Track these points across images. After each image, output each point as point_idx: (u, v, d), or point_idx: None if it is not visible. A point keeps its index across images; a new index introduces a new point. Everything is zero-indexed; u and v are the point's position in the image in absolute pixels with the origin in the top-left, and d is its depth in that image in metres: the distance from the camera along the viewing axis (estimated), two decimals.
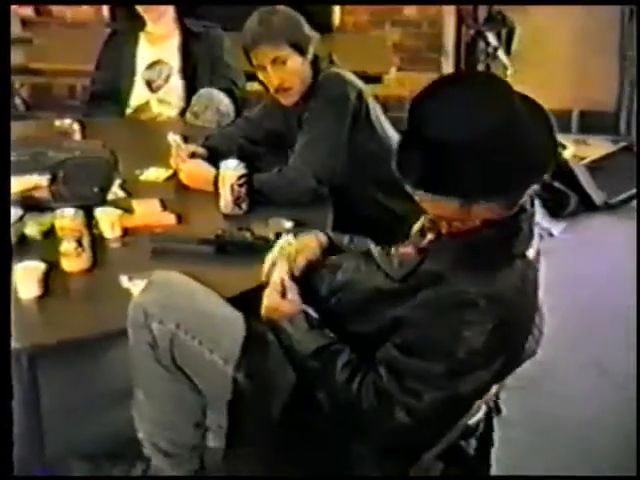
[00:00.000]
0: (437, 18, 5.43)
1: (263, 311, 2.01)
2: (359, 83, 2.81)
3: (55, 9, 5.70)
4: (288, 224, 2.44)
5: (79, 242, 2.19)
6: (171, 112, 3.64)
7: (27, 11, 5.64)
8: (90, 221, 2.37)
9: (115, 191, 2.66)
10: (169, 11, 3.69)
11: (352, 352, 1.87)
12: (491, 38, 5.20)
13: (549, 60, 5.14)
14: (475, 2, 5.27)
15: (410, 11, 5.47)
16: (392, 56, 4.97)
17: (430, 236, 1.90)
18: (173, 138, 2.94)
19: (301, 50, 2.72)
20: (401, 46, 5.45)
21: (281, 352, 1.93)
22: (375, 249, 2.07)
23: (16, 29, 5.28)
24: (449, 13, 5.40)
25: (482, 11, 5.39)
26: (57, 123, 3.00)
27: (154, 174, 2.85)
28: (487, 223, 1.78)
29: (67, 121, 3.05)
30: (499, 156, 1.67)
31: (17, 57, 4.51)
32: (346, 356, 1.86)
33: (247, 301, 2.09)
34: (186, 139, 3.00)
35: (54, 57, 4.52)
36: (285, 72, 2.72)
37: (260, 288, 2.10)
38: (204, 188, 2.68)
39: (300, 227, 2.40)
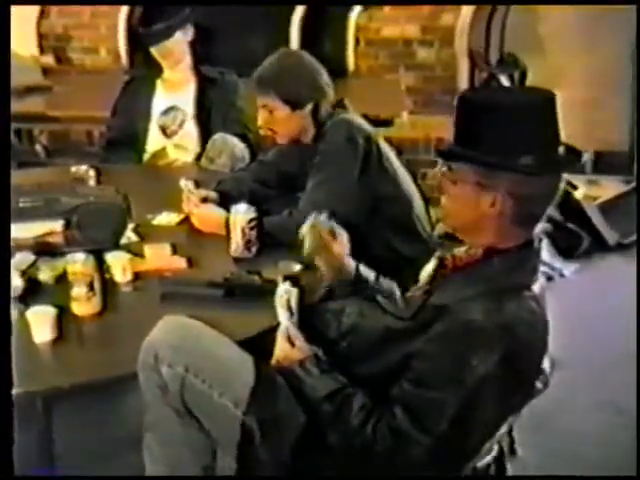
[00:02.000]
0: (450, 61, 5.46)
1: (273, 360, 2.03)
2: (368, 127, 2.86)
3: (75, 57, 5.83)
4: (297, 267, 2.46)
5: (90, 286, 2.22)
6: (187, 157, 3.69)
7: (48, 60, 5.78)
8: (101, 265, 2.41)
9: (128, 235, 2.69)
10: (186, 58, 3.76)
11: (365, 394, 1.89)
12: (504, 80, 5.24)
13: (562, 101, 5.15)
14: (481, 2, 5.29)
15: (424, 54, 5.53)
16: (405, 99, 5.02)
17: (435, 269, 1.98)
18: (185, 183, 2.99)
19: (292, 104, 2.79)
20: (415, 89, 5.50)
21: (291, 395, 1.94)
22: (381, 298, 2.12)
23: (37, 77, 5.41)
24: (462, 56, 5.43)
25: (494, 54, 5.46)
26: (73, 169, 3.06)
27: (166, 218, 2.89)
28: (490, 253, 1.85)
29: (83, 167, 3.11)
30: (531, 127, 1.79)
31: (37, 105, 4.60)
32: (360, 399, 1.87)
33: (256, 344, 2.11)
34: (198, 184, 3.04)
35: (72, 104, 4.62)
36: (271, 119, 2.84)
37: (269, 331, 2.12)
38: (216, 232, 2.71)
39: (309, 270, 2.42)
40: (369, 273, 2.28)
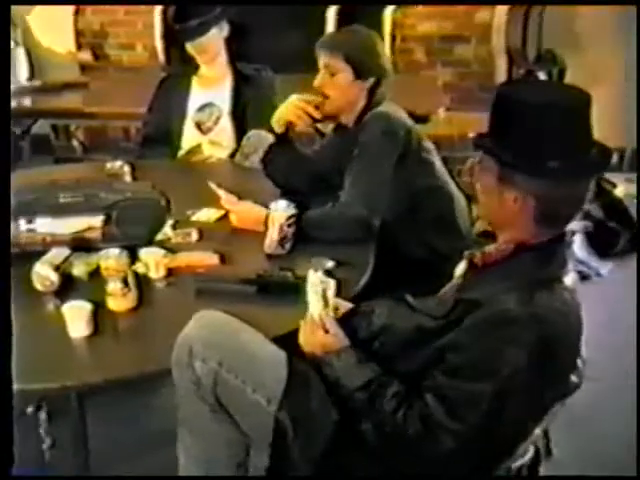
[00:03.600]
0: (488, 58, 5.43)
1: (307, 347, 2.03)
2: (408, 121, 2.85)
3: (112, 53, 5.86)
4: (330, 264, 2.46)
5: (125, 282, 2.23)
6: (222, 154, 3.70)
7: (85, 56, 5.82)
8: (134, 261, 2.42)
9: (166, 232, 2.70)
10: (221, 54, 3.77)
11: (399, 384, 1.89)
12: (542, 77, 5.19)
13: (601, 98, 5.09)
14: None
15: (460, 51, 5.49)
16: (441, 96, 4.98)
17: (465, 268, 2.00)
18: (213, 185, 2.99)
19: (358, 71, 2.79)
20: (452, 86, 5.48)
21: (324, 391, 1.95)
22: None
23: (74, 74, 5.46)
24: (500, 52, 5.39)
25: (532, 50, 5.41)
26: (108, 166, 3.07)
27: (205, 215, 2.89)
28: (520, 248, 1.86)
29: (118, 163, 3.12)
30: (561, 131, 1.79)
31: (74, 101, 4.64)
32: (394, 387, 1.88)
33: (290, 341, 2.11)
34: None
35: (109, 100, 4.65)
36: (330, 81, 2.82)
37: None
38: (254, 229, 2.70)
39: (341, 266, 2.42)
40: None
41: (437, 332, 1.87)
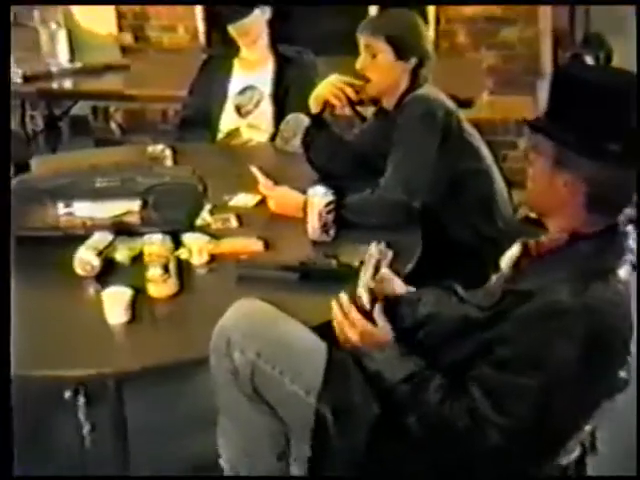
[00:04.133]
0: (533, 40, 5.33)
1: (354, 337, 1.97)
2: (449, 103, 2.80)
3: (153, 35, 5.83)
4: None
5: (165, 268, 2.20)
6: (261, 137, 3.66)
7: (127, 38, 5.80)
8: (178, 247, 2.39)
9: (204, 217, 2.66)
10: (263, 37, 3.73)
11: (442, 377, 1.85)
12: (589, 61, 5.08)
13: None
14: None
15: (506, 33, 5.40)
16: (485, 80, 4.89)
17: (516, 257, 1.94)
18: (254, 170, 2.95)
19: (399, 52, 2.74)
20: (496, 69, 5.39)
21: (365, 384, 1.90)
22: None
23: (116, 56, 5.43)
24: (545, 35, 5.29)
25: (579, 33, 5.30)
26: (149, 149, 3.03)
27: (243, 200, 2.85)
28: (574, 238, 1.80)
29: (159, 147, 3.09)
30: (624, 113, 1.73)
31: (114, 83, 4.61)
32: (438, 380, 1.84)
33: (331, 330, 2.07)
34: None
35: (150, 83, 4.59)
36: (371, 63, 2.77)
37: None
38: (293, 214, 2.67)
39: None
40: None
41: (485, 323, 1.82)
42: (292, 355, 1.96)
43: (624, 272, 1.79)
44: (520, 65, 5.36)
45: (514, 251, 2.01)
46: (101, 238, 2.45)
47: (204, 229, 2.61)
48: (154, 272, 2.20)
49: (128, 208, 2.53)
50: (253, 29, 3.68)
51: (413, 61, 2.76)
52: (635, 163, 1.75)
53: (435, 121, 2.69)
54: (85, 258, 2.32)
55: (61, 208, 2.53)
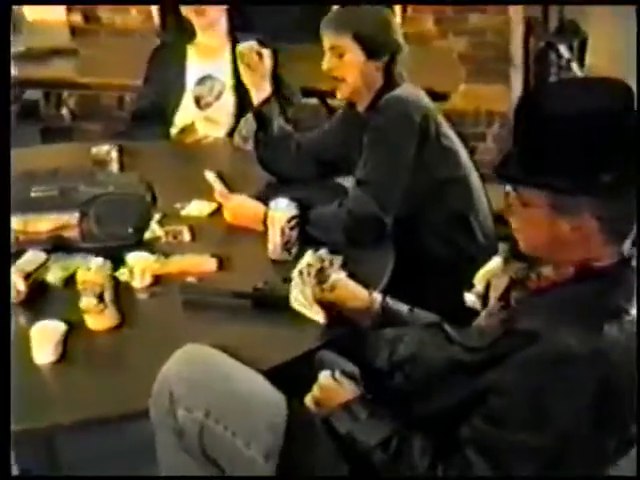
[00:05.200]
0: (504, 27, 5.09)
1: (309, 400, 1.75)
2: (426, 103, 2.53)
3: (104, 16, 5.51)
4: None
5: (100, 297, 1.93)
6: (219, 132, 3.38)
7: (76, 18, 5.48)
8: (118, 268, 2.15)
9: (154, 229, 2.39)
10: (221, 22, 3.45)
11: (422, 437, 1.62)
12: (563, 50, 4.86)
13: (628, 74, 4.77)
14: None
15: (475, 20, 5.16)
16: (460, 70, 4.65)
17: (517, 294, 1.72)
18: (210, 175, 2.69)
19: (368, 49, 2.48)
20: (466, 57, 5.15)
21: (332, 445, 1.66)
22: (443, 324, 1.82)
23: (65, 38, 5.11)
24: (517, 22, 5.06)
25: (553, 21, 5.08)
26: (93, 150, 2.74)
27: (197, 208, 2.58)
28: (583, 272, 1.58)
29: (104, 148, 2.79)
30: (609, 138, 1.52)
31: (64, 69, 4.29)
32: (420, 441, 1.61)
33: (291, 370, 1.82)
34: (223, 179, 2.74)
35: (102, 70, 4.28)
36: (339, 63, 2.52)
37: (305, 356, 1.85)
38: (251, 227, 2.41)
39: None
40: (400, 306, 1.97)
41: (476, 367, 1.60)
42: (246, 413, 1.70)
43: (635, 311, 1.57)
44: (491, 53, 5.13)
45: (500, 283, 1.78)
46: (32, 258, 2.18)
47: (153, 244, 2.35)
48: (88, 302, 1.93)
49: (66, 221, 2.25)
50: (210, 10, 3.39)
51: (385, 58, 2.49)
52: (634, 187, 1.53)
53: (411, 125, 2.42)
54: (12, 281, 2.04)
55: None
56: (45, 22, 5.20)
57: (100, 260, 1.98)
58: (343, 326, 1.96)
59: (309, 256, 2.01)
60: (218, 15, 3.43)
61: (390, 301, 1.98)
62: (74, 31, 5.36)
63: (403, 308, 1.97)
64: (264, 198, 2.48)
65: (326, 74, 2.54)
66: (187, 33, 3.49)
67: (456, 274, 2.35)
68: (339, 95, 2.57)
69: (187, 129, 3.35)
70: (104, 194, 2.28)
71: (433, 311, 2.00)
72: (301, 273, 1.97)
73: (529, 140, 1.55)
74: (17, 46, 4.32)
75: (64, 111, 5.27)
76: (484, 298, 1.90)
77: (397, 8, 5.10)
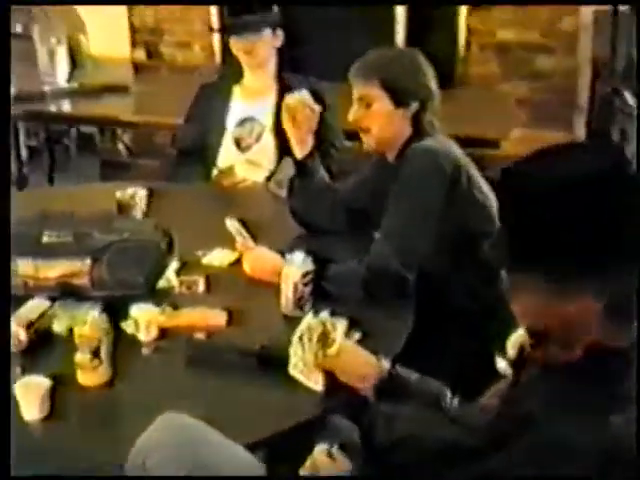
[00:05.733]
0: (571, 70, 4.94)
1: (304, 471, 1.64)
2: (457, 154, 2.41)
3: (167, 52, 5.54)
4: (356, 335, 2.05)
5: (96, 352, 1.86)
6: (259, 176, 3.32)
7: (139, 55, 5.52)
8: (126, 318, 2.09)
9: (169, 278, 2.32)
10: (270, 63, 3.42)
11: None
12: (628, 97, 4.67)
13: None
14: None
15: (543, 62, 5.03)
16: (514, 117, 4.52)
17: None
18: (232, 224, 2.61)
19: (395, 96, 2.37)
20: (529, 101, 5.02)
21: None
22: (447, 398, 1.69)
23: (127, 74, 5.15)
24: (584, 65, 4.91)
25: (620, 63, 4.90)
26: (118, 194, 2.69)
27: (218, 257, 2.50)
28: (591, 352, 1.42)
29: (129, 191, 2.74)
30: (601, 209, 1.34)
31: (117, 107, 4.28)
32: None
33: (292, 439, 1.73)
34: (246, 226, 2.67)
35: (157, 108, 4.25)
36: (366, 114, 2.41)
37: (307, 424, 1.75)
38: (270, 280, 2.32)
39: (366, 342, 2.00)
40: (408, 374, 1.85)
41: (479, 451, 1.45)
42: None
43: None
44: (555, 97, 4.98)
45: (511, 353, 1.65)
46: (36, 305, 2.13)
47: (165, 294, 2.27)
48: (82, 357, 1.86)
49: (78, 268, 2.19)
50: (261, 50, 3.35)
51: (414, 106, 2.38)
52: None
53: (441, 176, 2.30)
54: (13, 330, 1.99)
55: None
56: (109, 58, 5.25)
57: (96, 314, 1.92)
58: (344, 395, 1.84)
59: (310, 320, 1.90)
60: (267, 55, 3.39)
61: (399, 369, 1.86)
62: (137, 67, 5.42)
63: (412, 377, 1.85)
64: (292, 250, 2.39)
65: (352, 124, 2.45)
66: (236, 72, 3.46)
67: (481, 331, 2.24)
68: (366, 146, 2.46)
69: (225, 172, 3.29)
70: (118, 241, 2.22)
71: (452, 370, 1.91)
72: (301, 338, 1.86)
73: (516, 219, 1.42)
74: (74, 81, 4.35)
75: (120, 146, 5.29)
76: (516, 365, 1.76)
77: (461, 46, 5.03)
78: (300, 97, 2.68)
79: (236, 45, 3.37)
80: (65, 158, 5.34)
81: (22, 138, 4.97)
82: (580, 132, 4.89)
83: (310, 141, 2.69)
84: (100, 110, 4.22)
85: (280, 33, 3.39)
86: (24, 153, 4.98)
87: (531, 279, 1.41)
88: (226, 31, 3.59)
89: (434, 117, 2.43)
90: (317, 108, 2.66)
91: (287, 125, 2.69)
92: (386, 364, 1.86)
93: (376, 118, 2.39)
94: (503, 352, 1.85)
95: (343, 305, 2.17)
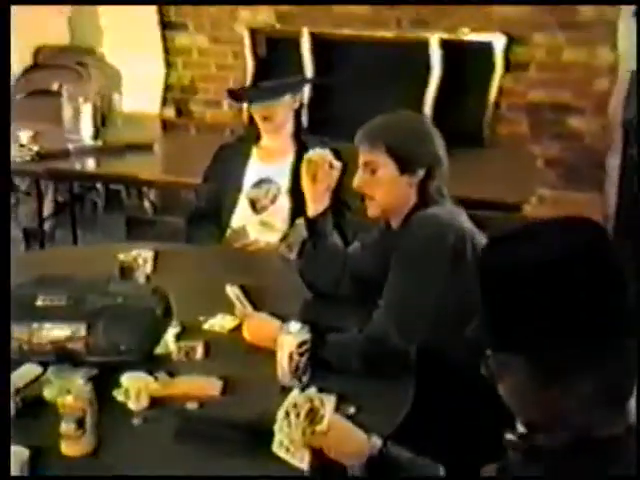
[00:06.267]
0: (602, 132, 4.88)
1: None
2: (462, 223, 2.33)
3: (196, 110, 5.58)
4: (351, 409, 1.98)
5: (80, 422, 1.81)
6: (273, 237, 3.28)
7: (169, 112, 5.57)
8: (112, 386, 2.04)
9: (168, 343, 2.28)
10: (288, 125, 3.40)
11: None
12: None
13: None
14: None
15: (574, 123, 4.97)
16: (539, 178, 4.45)
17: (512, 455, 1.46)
18: (232, 290, 2.57)
19: (401, 163, 2.32)
20: (559, 162, 4.95)
21: None
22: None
23: (156, 131, 5.19)
24: (615, 125, 4.84)
25: None
26: (120, 257, 2.65)
27: (220, 323, 2.45)
28: (579, 439, 1.34)
29: (132, 253, 2.71)
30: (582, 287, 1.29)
31: (143, 165, 4.29)
32: None
33: None
34: (247, 293, 2.62)
35: (183, 166, 4.25)
36: (372, 180, 2.37)
37: None
38: (269, 347, 2.25)
39: (364, 413, 1.93)
40: (400, 452, 1.77)
41: None
42: None
43: None
44: (585, 158, 4.91)
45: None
46: (28, 371, 2.10)
47: (163, 360, 2.23)
48: (67, 427, 1.82)
49: (72, 332, 2.16)
50: (280, 114, 3.35)
51: (420, 173, 2.33)
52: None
53: (442, 247, 2.23)
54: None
55: None
56: (139, 115, 5.30)
57: (81, 382, 1.88)
58: (330, 473, 1.77)
59: (296, 396, 1.84)
60: (285, 119, 3.38)
61: (390, 447, 1.79)
62: (165, 125, 5.46)
63: (404, 455, 1.78)
64: (296, 316, 2.33)
65: (356, 190, 2.40)
66: (255, 133, 3.45)
67: (484, 408, 2.15)
68: (369, 213, 2.41)
69: (237, 232, 3.27)
70: (113, 305, 2.18)
71: (450, 448, 1.84)
72: (287, 414, 1.80)
73: (496, 299, 1.35)
74: (101, 138, 4.38)
75: (146, 203, 5.31)
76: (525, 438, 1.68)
77: (490, 106, 4.99)
78: (322, 153, 2.67)
79: (255, 110, 3.39)
80: (92, 214, 5.37)
81: (50, 193, 5.02)
82: (612, 194, 4.80)
83: (326, 199, 2.65)
84: (125, 168, 4.22)
85: (300, 97, 3.40)
86: (50, 208, 5.03)
87: (515, 360, 1.34)
88: (247, 98, 3.59)
89: (442, 184, 2.37)
90: (338, 165, 2.63)
91: (306, 181, 2.66)
92: (378, 442, 1.79)
93: (381, 185, 2.34)
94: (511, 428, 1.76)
95: (341, 376, 2.11)
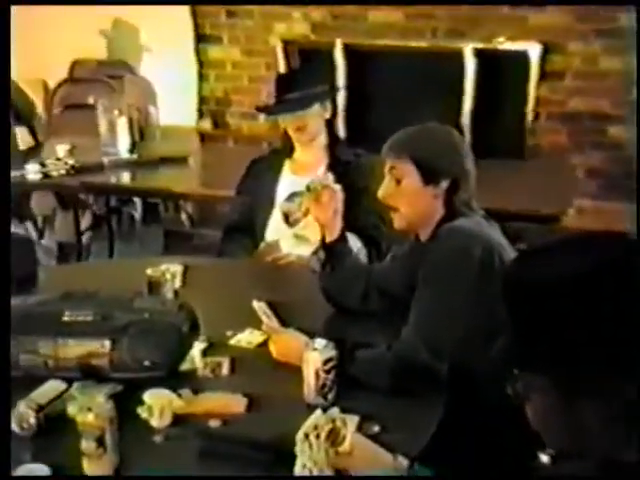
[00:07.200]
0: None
1: None
2: (490, 236, 2.27)
3: (233, 122, 5.59)
4: (375, 428, 1.94)
5: (100, 440, 1.79)
6: (307, 250, 3.24)
7: (206, 125, 5.58)
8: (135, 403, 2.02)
9: (194, 359, 2.26)
10: (320, 136, 3.38)
11: None
12: None
13: None
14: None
15: (614, 132, 4.88)
16: (579, 189, 4.37)
17: None
18: (259, 305, 2.54)
19: (425, 173, 2.27)
20: (599, 172, 4.87)
21: None
22: None
23: (194, 143, 5.19)
24: None
25: None
26: (148, 272, 2.64)
27: (247, 338, 2.43)
28: (602, 469, 1.28)
29: (161, 268, 2.70)
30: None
31: (169, 179, 4.29)
32: None
33: None
34: (274, 308, 2.59)
35: (221, 179, 4.23)
36: (396, 190, 2.32)
37: None
38: (296, 363, 2.22)
39: (389, 433, 1.90)
40: (426, 473, 1.73)
41: None
42: None
43: None
44: (624, 169, 4.82)
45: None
46: (52, 387, 2.08)
47: (189, 376, 2.21)
48: (87, 445, 1.80)
49: (97, 348, 2.15)
50: (311, 124, 3.33)
51: (444, 185, 2.28)
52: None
53: (469, 260, 2.17)
54: (23, 413, 1.95)
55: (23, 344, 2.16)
56: (176, 128, 5.31)
57: (102, 400, 1.86)
58: None
59: (317, 417, 1.80)
60: (318, 130, 3.35)
61: (417, 468, 1.74)
62: (203, 137, 5.46)
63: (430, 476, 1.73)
64: (324, 333, 2.30)
65: (381, 201, 2.36)
66: (287, 146, 3.43)
67: (516, 428, 2.10)
68: (395, 225, 2.37)
69: (270, 246, 3.24)
70: (138, 321, 2.17)
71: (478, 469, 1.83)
72: (307, 436, 1.75)
73: (520, 318, 1.31)
74: (137, 152, 4.39)
75: (183, 216, 5.31)
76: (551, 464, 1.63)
77: (529, 115, 4.93)
78: (320, 179, 2.66)
79: (286, 122, 3.36)
80: (130, 227, 5.39)
81: (87, 206, 5.05)
82: None
83: (338, 224, 2.62)
84: (160, 181, 4.22)
85: (329, 105, 3.36)
86: (88, 221, 5.05)
87: (540, 380, 1.30)
88: (274, 111, 3.56)
89: (470, 196, 2.32)
90: (337, 187, 2.60)
91: (312, 210, 2.64)
92: (404, 462, 1.75)
93: (404, 195, 2.30)
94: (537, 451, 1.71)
95: (366, 394, 2.07)
